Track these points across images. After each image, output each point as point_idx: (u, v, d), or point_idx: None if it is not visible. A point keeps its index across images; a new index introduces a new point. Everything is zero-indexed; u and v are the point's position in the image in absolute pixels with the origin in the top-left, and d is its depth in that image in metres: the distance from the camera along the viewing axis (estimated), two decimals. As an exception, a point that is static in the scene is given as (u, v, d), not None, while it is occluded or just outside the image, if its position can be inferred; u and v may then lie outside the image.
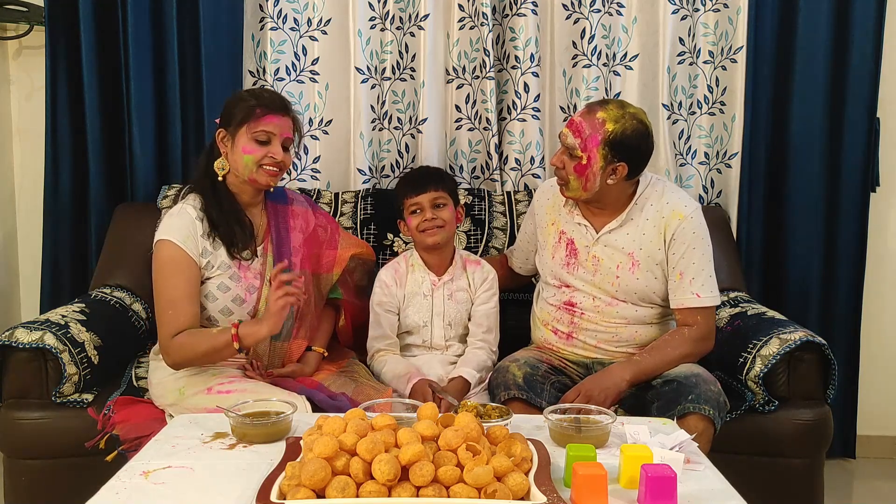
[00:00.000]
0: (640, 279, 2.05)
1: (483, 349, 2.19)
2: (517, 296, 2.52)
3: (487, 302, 2.24)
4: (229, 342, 1.84)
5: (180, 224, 1.94)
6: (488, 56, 2.70)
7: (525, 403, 1.91)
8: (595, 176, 1.97)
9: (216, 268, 1.96)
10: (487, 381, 2.11)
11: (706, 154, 2.81)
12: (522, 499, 1.24)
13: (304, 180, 2.77)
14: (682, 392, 1.87)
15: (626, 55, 2.75)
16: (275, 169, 1.97)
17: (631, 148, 1.96)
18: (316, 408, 1.84)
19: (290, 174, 2.77)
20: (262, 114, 1.94)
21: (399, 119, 2.80)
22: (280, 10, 2.71)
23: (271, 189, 2.05)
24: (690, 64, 2.78)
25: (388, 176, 2.82)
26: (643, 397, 1.99)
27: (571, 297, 2.11)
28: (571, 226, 2.12)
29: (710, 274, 2.04)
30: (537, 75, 2.75)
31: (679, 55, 2.78)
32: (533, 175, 2.80)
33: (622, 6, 2.73)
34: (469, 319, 2.24)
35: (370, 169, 2.78)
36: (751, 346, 2.16)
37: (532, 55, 2.73)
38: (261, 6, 2.72)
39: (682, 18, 2.75)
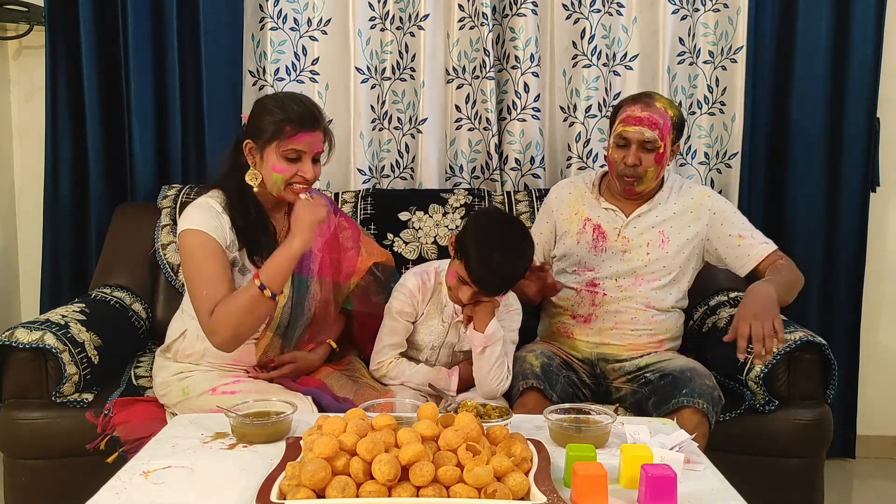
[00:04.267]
0: (669, 252, 2.16)
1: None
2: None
3: (506, 328, 2.07)
4: (259, 289, 1.77)
5: (208, 215, 1.88)
6: (488, 56, 2.70)
7: (540, 394, 1.94)
8: (667, 160, 2.13)
9: (238, 269, 1.92)
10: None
11: (706, 154, 2.81)
12: (522, 499, 1.24)
13: (304, 180, 2.77)
14: (677, 386, 1.92)
15: (626, 55, 2.75)
16: (302, 188, 1.90)
17: (683, 125, 2.19)
18: (321, 409, 1.84)
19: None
20: (293, 132, 1.85)
21: (399, 119, 2.80)
22: (280, 10, 2.71)
23: None
24: (690, 64, 2.78)
25: (388, 176, 2.82)
26: (641, 392, 2.03)
27: (595, 279, 2.18)
28: (598, 211, 2.21)
29: (757, 231, 2.19)
30: (537, 75, 2.75)
31: (679, 55, 2.78)
32: (533, 175, 2.80)
33: (622, 6, 2.73)
34: None
35: (370, 169, 2.78)
36: (751, 346, 2.15)
37: (532, 55, 2.73)
38: (261, 6, 2.72)
39: (682, 18, 2.76)
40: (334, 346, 2.12)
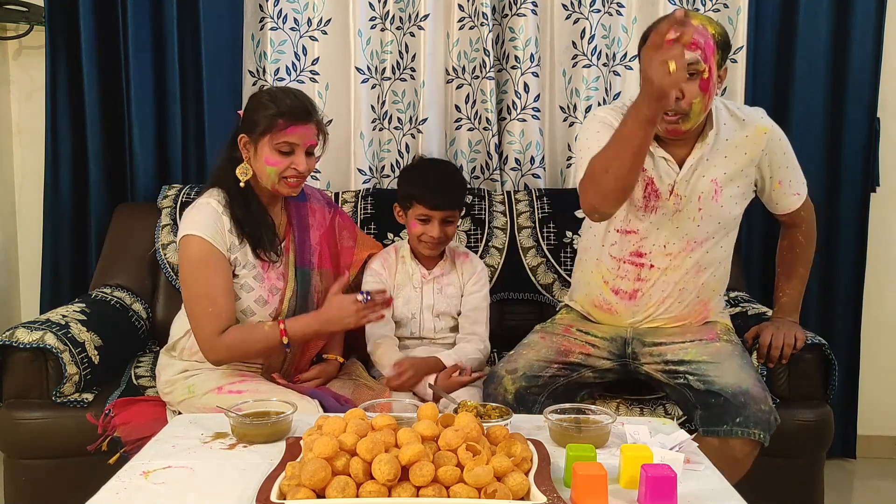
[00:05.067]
0: (724, 206, 1.95)
1: (471, 342, 2.18)
2: (517, 295, 2.52)
3: (477, 292, 2.24)
4: (280, 339, 1.87)
5: (207, 219, 1.89)
6: (488, 56, 2.70)
7: None
8: (715, 87, 1.82)
9: (242, 266, 1.93)
10: (482, 381, 2.10)
11: (706, 154, 2.81)
12: (522, 499, 1.24)
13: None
14: (729, 411, 1.77)
15: (626, 55, 2.75)
16: (297, 180, 1.93)
17: (729, 46, 1.89)
18: (325, 410, 1.83)
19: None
20: (285, 125, 1.87)
21: (399, 119, 2.80)
22: (280, 10, 2.71)
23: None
24: (690, 64, 2.78)
25: (388, 176, 2.82)
26: (685, 394, 1.90)
27: (640, 247, 1.97)
28: (650, 160, 1.92)
29: (797, 167, 2.05)
30: (537, 75, 2.75)
31: (679, 55, 2.77)
32: (533, 175, 2.80)
33: (622, 6, 2.73)
34: (459, 313, 2.24)
35: (370, 169, 2.78)
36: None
37: (532, 55, 2.73)
38: (261, 6, 2.72)
39: (683, 18, 2.75)
40: (341, 360, 2.13)
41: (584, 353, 2.02)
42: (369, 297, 1.89)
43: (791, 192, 2.04)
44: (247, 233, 1.92)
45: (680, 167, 1.93)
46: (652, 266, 1.97)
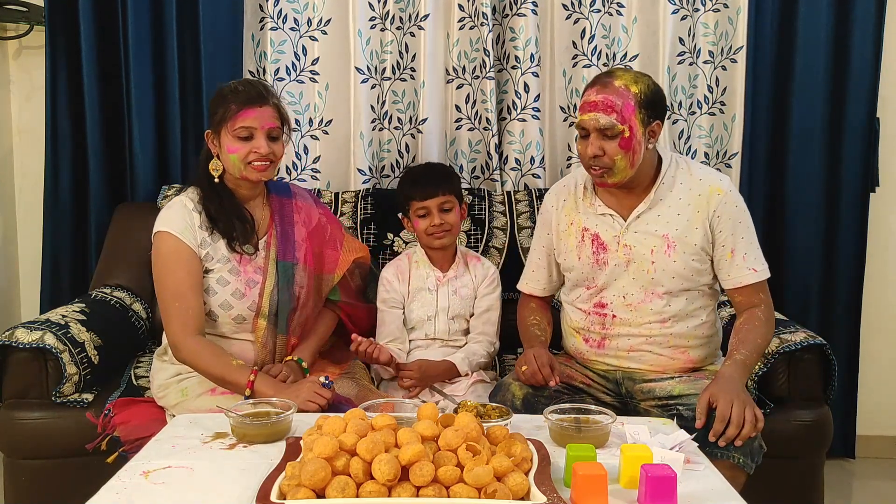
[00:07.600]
0: (676, 262, 1.91)
1: (481, 343, 2.23)
2: (518, 295, 2.51)
3: (490, 294, 2.27)
4: (242, 387, 1.83)
5: (177, 215, 1.94)
6: (488, 56, 2.70)
7: None
8: (640, 145, 1.85)
9: (216, 260, 1.95)
10: (490, 380, 2.11)
11: (706, 154, 2.81)
12: (522, 499, 1.24)
13: (304, 180, 2.78)
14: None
15: (626, 55, 2.75)
16: (263, 163, 1.92)
17: (659, 102, 1.89)
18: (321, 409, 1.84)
19: (289, 174, 2.77)
20: (238, 109, 1.90)
21: (399, 119, 2.80)
22: (280, 10, 2.71)
23: (273, 179, 2.04)
24: (690, 64, 2.78)
25: (388, 176, 2.82)
26: (678, 424, 1.85)
27: (601, 298, 1.98)
28: (594, 219, 1.98)
29: (757, 246, 1.94)
30: (537, 75, 2.75)
31: (679, 55, 2.78)
32: (533, 175, 2.80)
33: (622, 6, 2.73)
34: (472, 315, 2.27)
35: (370, 169, 2.78)
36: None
37: (532, 55, 2.73)
38: (261, 6, 2.72)
39: (682, 18, 2.75)
40: (305, 365, 2.06)
41: (585, 383, 2.03)
42: (330, 384, 1.86)
43: (746, 265, 1.90)
44: (219, 227, 1.95)
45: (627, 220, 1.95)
46: (615, 316, 1.97)
